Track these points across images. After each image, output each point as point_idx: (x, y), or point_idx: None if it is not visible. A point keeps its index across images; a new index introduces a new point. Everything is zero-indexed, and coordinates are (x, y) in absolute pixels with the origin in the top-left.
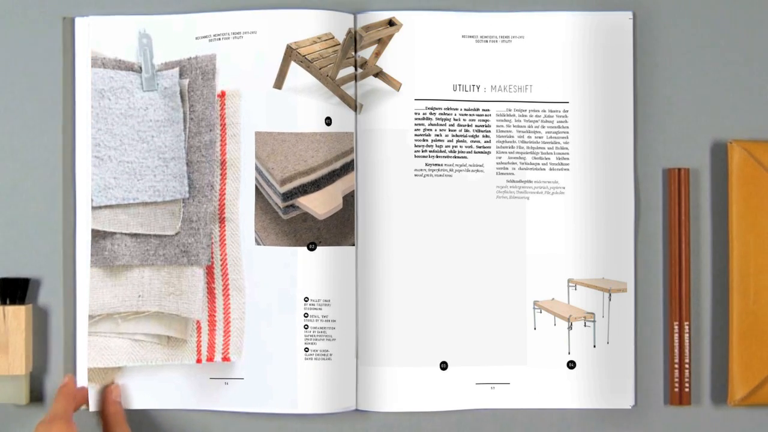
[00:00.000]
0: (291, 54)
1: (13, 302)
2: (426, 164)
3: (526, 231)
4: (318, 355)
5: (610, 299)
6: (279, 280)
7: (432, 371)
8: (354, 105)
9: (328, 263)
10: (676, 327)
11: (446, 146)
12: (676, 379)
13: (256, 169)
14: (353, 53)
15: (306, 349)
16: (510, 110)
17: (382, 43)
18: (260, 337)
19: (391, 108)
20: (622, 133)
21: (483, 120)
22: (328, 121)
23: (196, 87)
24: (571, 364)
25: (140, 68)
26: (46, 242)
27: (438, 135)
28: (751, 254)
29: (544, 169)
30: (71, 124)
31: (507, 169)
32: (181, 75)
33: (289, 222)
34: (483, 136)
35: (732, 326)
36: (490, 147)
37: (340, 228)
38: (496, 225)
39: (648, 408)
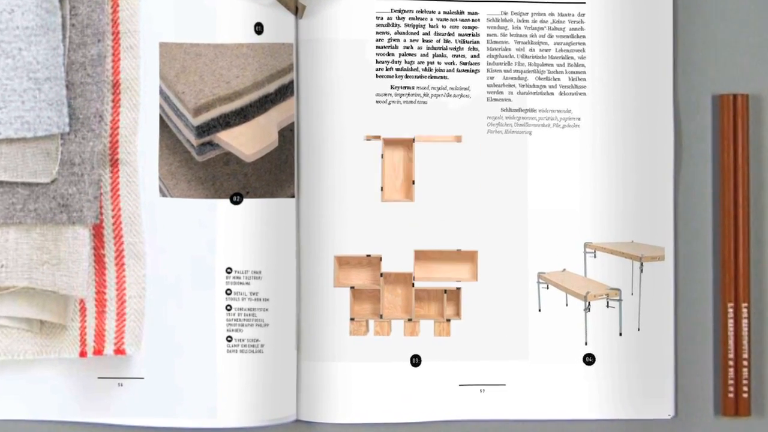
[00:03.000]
0: None
1: None
2: (392, 86)
3: (528, 177)
4: (245, 346)
5: (641, 271)
6: (192, 244)
7: (400, 368)
8: (294, 6)
9: (258, 221)
10: (731, 310)
11: (419, 63)
12: (731, 381)
13: (161, 93)
14: None
15: (229, 339)
16: (506, 14)
17: None
18: (166, 322)
19: (345, 11)
20: (658, 47)
21: (469, 27)
22: (259, 29)
23: None
24: (589, 359)
25: None
26: None
27: (408, 47)
28: None
29: (552, 94)
30: None
31: (502, 93)
32: None
33: (206, 165)
34: (469, 49)
35: None
36: (478, 64)
37: (275, 174)
38: (487, 169)
39: (693, 419)
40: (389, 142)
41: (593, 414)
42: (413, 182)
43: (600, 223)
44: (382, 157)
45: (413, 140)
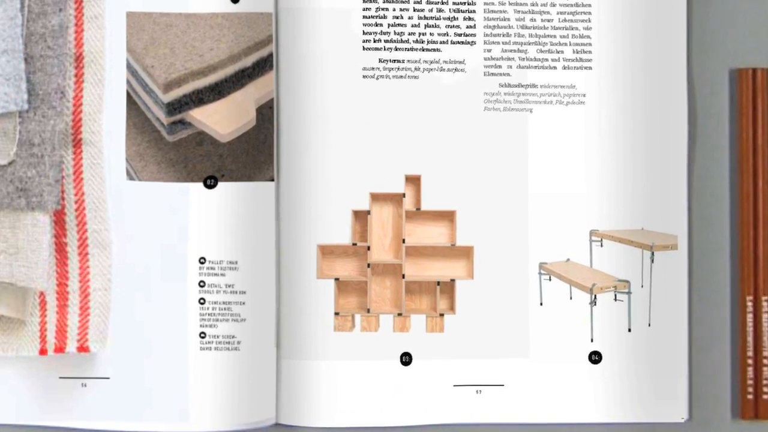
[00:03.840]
0: None
1: None
2: (380, 60)
3: (529, 159)
4: (220, 342)
5: (652, 261)
6: (162, 231)
7: (389, 367)
8: None
9: (234, 207)
10: (750, 304)
11: (410, 34)
12: (750, 381)
13: (128, 67)
14: None
15: (202, 335)
16: None
17: None
18: (134, 317)
19: None
20: (671, 17)
21: None
22: None
23: None
24: (595, 358)
25: None
26: None
27: (398, 17)
28: None
29: (555, 68)
30: None
31: (500, 67)
32: None
33: (178, 146)
34: (464, 19)
35: None
36: (474, 35)
37: (253, 155)
38: (484, 149)
39: (708, 423)
40: (377, 197)
41: (599, 417)
42: (403, 241)
43: (607, 208)
44: (369, 213)
45: (403, 195)
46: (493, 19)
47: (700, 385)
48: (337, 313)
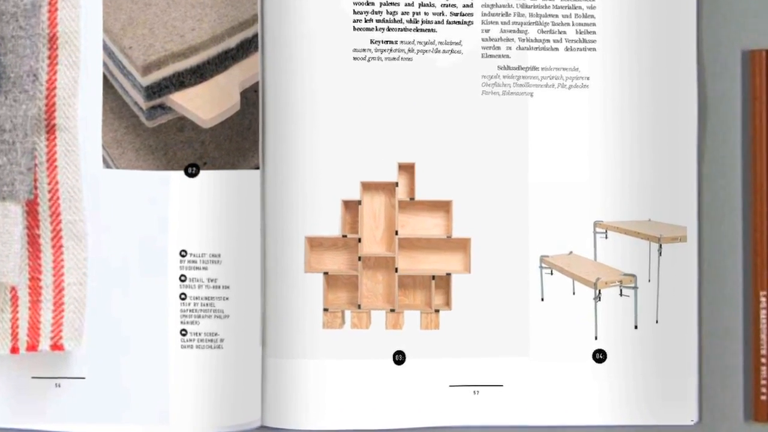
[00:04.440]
0: None
1: None
2: (372, 41)
3: (529, 146)
4: (202, 340)
5: (660, 254)
6: (141, 223)
7: (381, 366)
8: None
9: (217, 197)
10: (764, 299)
11: (403, 13)
12: (764, 382)
13: (105, 48)
14: None
15: (183, 332)
16: None
17: None
18: (111, 314)
19: None
20: None
21: None
22: None
23: None
24: (600, 356)
25: None
26: None
27: None
28: None
29: (557, 50)
30: None
31: (499, 49)
32: None
33: (157, 132)
34: None
35: None
36: (472, 15)
37: (237, 141)
38: (482, 135)
39: (720, 426)
40: (368, 186)
41: (604, 419)
42: (396, 233)
43: (612, 198)
44: (360, 203)
45: (396, 184)
46: None
47: (711, 386)
48: (326, 309)
